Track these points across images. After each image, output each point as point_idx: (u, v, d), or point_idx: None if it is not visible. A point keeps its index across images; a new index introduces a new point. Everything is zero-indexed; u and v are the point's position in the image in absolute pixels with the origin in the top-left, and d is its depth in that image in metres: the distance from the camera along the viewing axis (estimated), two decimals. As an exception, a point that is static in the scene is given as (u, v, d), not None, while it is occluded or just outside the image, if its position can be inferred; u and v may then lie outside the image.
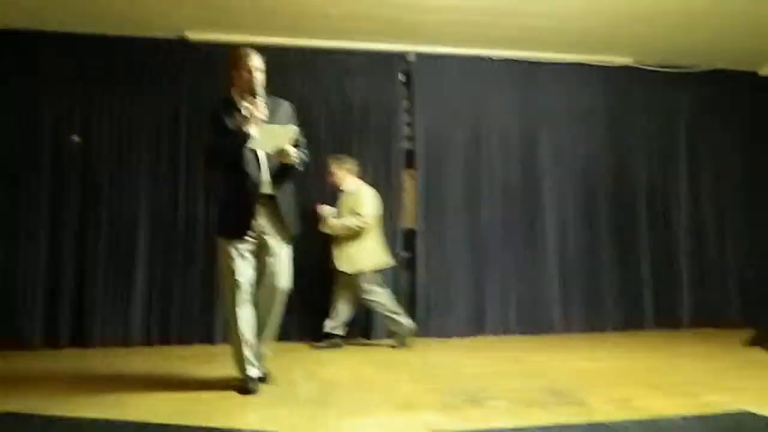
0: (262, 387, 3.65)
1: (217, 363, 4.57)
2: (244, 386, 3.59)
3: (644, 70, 6.46)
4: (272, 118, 3.65)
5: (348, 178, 5.38)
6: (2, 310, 5.22)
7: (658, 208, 6.48)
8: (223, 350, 4.87)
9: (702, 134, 6.62)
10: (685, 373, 4.17)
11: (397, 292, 5.82)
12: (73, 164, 5.45)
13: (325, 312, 5.41)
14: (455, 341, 5.66)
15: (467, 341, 5.68)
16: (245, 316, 3.63)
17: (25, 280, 5.29)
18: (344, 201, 5.32)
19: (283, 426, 2.92)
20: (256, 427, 2.92)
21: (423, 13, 5.28)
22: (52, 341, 5.23)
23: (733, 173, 6.66)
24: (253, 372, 3.67)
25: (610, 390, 3.63)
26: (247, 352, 3.65)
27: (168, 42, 5.62)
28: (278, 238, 3.72)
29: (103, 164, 5.49)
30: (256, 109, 3.59)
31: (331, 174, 5.36)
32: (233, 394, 3.55)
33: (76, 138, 5.44)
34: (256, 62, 3.66)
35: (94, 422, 2.97)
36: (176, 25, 5.47)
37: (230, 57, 3.71)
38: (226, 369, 4.30)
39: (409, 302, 5.95)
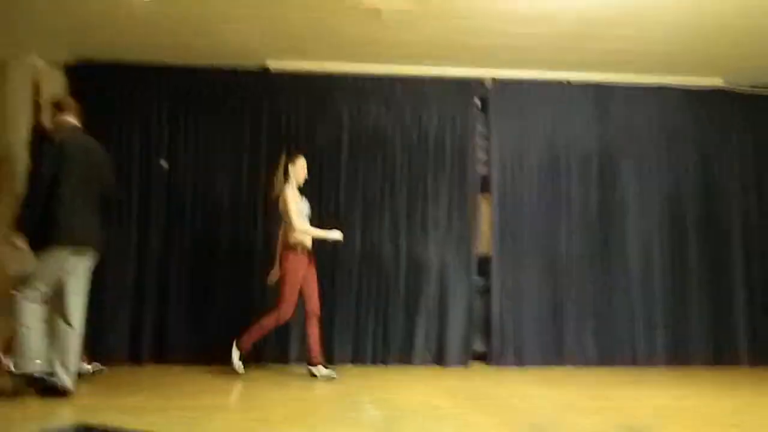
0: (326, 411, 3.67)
1: (288, 384, 4.64)
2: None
3: (735, 92, 6.15)
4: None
5: None
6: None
7: (752, 237, 6.09)
8: (298, 370, 5.00)
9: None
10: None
11: (471, 320, 5.78)
12: (159, 188, 5.73)
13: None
14: (531, 371, 5.50)
15: (543, 371, 5.51)
16: None
17: (111, 297, 5.56)
18: None
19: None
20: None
21: (499, 37, 5.24)
22: (136, 357, 5.46)
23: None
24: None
25: (689, 430, 3.42)
26: None
27: (249, 71, 5.85)
28: None
29: (187, 188, 5.74)
30: None
31: None
32: (297, 416, 3.59)
33: (164, 163, 5.72)
34: None
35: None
36: (257, 54, 5.68)
37: None
38: (296, 391, 4.39)
39: (484, 330, 5.87)
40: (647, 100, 6.12)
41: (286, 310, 4.88)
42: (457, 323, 5.74)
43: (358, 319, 5.70)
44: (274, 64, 5.82)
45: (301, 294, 4.97)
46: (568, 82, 6.06)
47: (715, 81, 6.08)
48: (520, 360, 5.71)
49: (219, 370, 5.02)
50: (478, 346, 5.86)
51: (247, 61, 5.77)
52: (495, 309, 5.81)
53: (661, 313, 5.90)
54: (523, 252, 5.89)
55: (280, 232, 5.11)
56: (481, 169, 6.07)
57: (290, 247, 4.95)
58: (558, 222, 5.95)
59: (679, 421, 3.68)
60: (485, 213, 6.08)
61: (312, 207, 5.71)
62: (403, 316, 5.73)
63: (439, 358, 5.67)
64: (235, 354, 4.87)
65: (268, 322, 4.89)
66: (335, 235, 4.98)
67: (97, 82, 5.71)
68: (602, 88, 6.10)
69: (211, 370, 5.10)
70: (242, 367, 4.86)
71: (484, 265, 5.97)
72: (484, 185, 6.04)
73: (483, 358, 5.80)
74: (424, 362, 5.64)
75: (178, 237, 5.69)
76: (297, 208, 4.96)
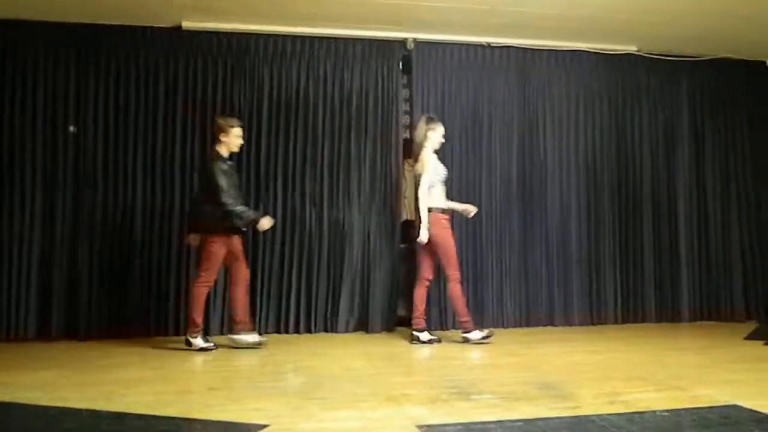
0: (249, 381, 3.72)
1: (209, 355, 4.65)
2: None
3: (648, 57, 6.45)
4: None
5: None
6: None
7: (661, 198, 6.48)
8: (219, 342, 4.99)
9: (707, 124, 6.61)
10: (678, 366, 4.21)
11: (395, 285, 5.90)
12: (66, 156, 5.50)
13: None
14: (452, 334, 5.69)
15: (465, 333, 5.72)
16: None
17: (19, 273, 5.36)
18: None
19: (267, 418, 2.97)
20: (240, 419, 2.98)
21: (422, -1, 5.29)
22: (45, 333, 5.28)
23: (738, 163, 6.64)
24: None
25: (601, 383, 3.67)
26: None
27: (163, 31, 5.66)
28: None
29: (97, 156, 5.54)
30: None
31: None
32: (220, 386, 3.62)
33: (72, 128, 5.49)
34: None
35: (79, 411, 3.05)
36: (172, 15, 5.49)
37: None
38: (218, 361, 4.40)
39: (408, 294, 6.00)
40: (565, 64, 6.34)
41: (456, 270, 5.18)
42: (381, 289, 5.85)
43: (281, 286, 5.72)
44: (189, 25, 5.65)
45: (432, 258, 5.24)
46: (489, 45, 6.18)
47: (629, 48, 6.34)
48: (443, 323, 5.88)
49: (138, 343, 4.98)
50: (402, 311, 5.99)
51: (161, 22, 5.58)
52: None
53: (577, 274, 6.22)
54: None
55: (408, 193, 5.33)
56: (405, 133, 6.16)
57: (437, 212, 5.14)
58: (479, 185, 6.11)
59: (591, 374, 3.94)
60: (409, 177, 6.18)
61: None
62: (326, 282, 5.79)
63: (364, 324, 5.78)
64: (474, 334, 5.13)
65: (456, 291, 5.16)
66: (424, 236, 5.08)
67: (6, 41, 5.42)
68: (522, 52, 6.25)
69: (129, 343, 5.04)
70: (483, 334, 5.14)
71: (407, 230, 6.08)
72: (408, 149, 6.12)
73: (407, 323, 5.94)
74: (348, 329, 5.74)
75: (89, 206, 5.48)
76: (432, 174, 5.15)
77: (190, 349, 4.71)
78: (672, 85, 6.56)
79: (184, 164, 5.65)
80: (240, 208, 4.81)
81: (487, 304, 6.00)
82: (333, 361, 4.52)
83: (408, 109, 6.22)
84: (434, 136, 5.26)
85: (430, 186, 5.15)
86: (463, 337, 5.18)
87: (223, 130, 4.89)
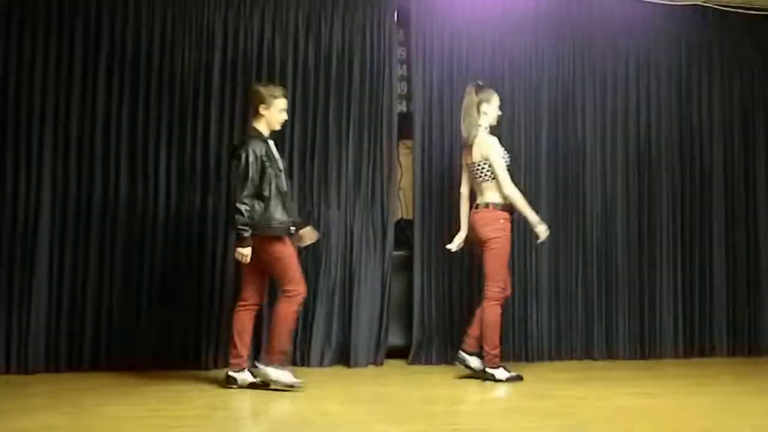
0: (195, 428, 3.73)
1: (138, 396, 4.63)
2: None
3: (721, 10, 6.48)
4: None
5: None
6: None
7: (736, 194, 6.55)
8: (149, 380, 4.98)
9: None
10: (757, 414, 4.23)
11: (386, 305, 5.91)
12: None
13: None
14: (462, 369, 5.71)
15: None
16: None
17: None
18: None
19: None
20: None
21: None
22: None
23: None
24: None
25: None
26: None
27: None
28: None
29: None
30: None
31: None
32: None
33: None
34: None
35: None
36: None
37: None
38: (150, 404, 4.39)
39: (405, 315, 6.00)
40: (611, 18, 6.37)
41: (505, 285, 5.22)
42: (368, 310, 5.84)
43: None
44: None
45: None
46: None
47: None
48: (446, 355, 5.89)
49: (47, 380, 4.96)
50: (395, 339, 6.01)
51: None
52: (417, 290, 5.97)
53: (623, 292, 6.27)
54: (453, 216, 6.04)
55: (463, 188, 5.36)
56: (401, 106, 6.17)
57: (497, 208, 5.15)
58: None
59: (641, 423, 3.95)
60: (405, 163, 6.19)
61: (169, 154, 5.63)
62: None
63: (344, 357, 5.79)
64: (501, 372, 5.14)
65: (494, 312, 5.15)
66: (540, 228, 5.18)
67: None
68: (555, 1, 6.29)
69: (36, 380, 5.03)
70: (512, 374, 5.16)
71: (403, 233, 6.10)
72: (404, 127, 6.13)
73: (401, 354, 5.96)
74: (324, 362, 5.75)
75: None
76: (503, 160, 5.17)
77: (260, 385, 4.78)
78: (752, 46, 6.60)
79: (107, 142, 5.58)
80: (241, 218, 4.65)
81: (506, 331, 5.99)
82: (304, 403, 4.52)
83: (404, 74, 6.23)
84: (490, 109, 5.28)
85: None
86: (487, 373, 5.19)
87: (264, 102, 4.88)
